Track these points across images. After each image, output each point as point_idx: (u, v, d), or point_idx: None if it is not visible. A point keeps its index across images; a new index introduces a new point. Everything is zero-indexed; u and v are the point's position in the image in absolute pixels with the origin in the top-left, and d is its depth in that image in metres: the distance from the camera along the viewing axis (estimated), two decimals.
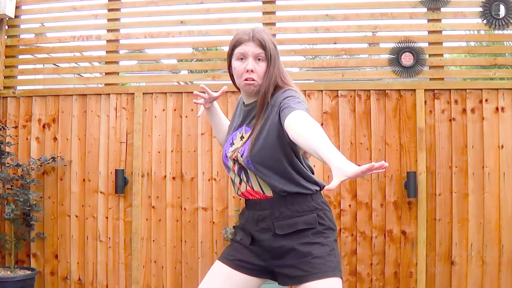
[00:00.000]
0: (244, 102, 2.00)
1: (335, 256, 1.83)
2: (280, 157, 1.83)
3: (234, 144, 1.94)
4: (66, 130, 4.16)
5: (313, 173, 1.96)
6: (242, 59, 1.90)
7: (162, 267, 3.97)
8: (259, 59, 1.88)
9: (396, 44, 3.88)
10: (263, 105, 1.87)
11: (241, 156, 1.87)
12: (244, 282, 1.90)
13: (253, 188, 1.90)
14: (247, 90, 1.92)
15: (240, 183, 1.94)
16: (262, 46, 1.87)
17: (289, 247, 1.83)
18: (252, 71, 1.87)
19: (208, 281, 1.92)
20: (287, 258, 1.83)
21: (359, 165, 1.55)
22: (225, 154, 1.97)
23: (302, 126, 1.64)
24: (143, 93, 4.07)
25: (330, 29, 4.04)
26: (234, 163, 1.92)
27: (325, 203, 1.92)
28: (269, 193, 1.88)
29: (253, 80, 1.88)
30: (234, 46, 1.92)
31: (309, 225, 1.83)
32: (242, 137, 1.93)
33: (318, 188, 1.92)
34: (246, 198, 1.95)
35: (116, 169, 4.02)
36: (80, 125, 4.14)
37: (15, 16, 4.31)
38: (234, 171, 1.93)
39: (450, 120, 3.75)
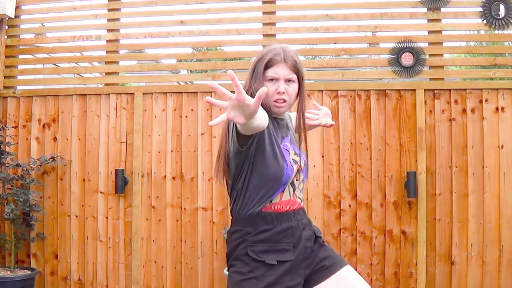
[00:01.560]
0: (275, 118, 1.97)
1: None
2: None
3: (290, 154, 1.93)
4: (66, 130, 4.16)
5: None
6: (272, 80, 1.89)
7: (162, 267, 3.97)
8: (289, 81, 1.90)
9: (396, 44, 3.88)
10: (301, 124, 1.96)
11: (304, 165, 1.98)
12: None
13: (295, 199, 1.94)
14: (276, 111, 1.91)
15: (282, 192, 1.88)
16: (294, 69, 1.89)
17: (322, 244, 2.00)
18: (283, 93, 1.88)
19: None
20: (320, 252, 1.95)
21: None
22: (291, 166, 1.89)
23: None
24: (143, 93, 4.07)
25: (330, 29, 4.04)
26: (296, 174, 1.93)
27: None
28: (301, 203, 1.97)
29: (284, 101, 1.89)
30: (266, 66, 1.88)
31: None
32: (296, 154, 1.96)
33: None
34: (279, 210, 1.87)
35: (116, 169, 4.02)
36: (80, 125, 4.14)
37: (15, 16, 4.31)
38: (288, 183, 1.89)
39: (450, 120, 3.76)
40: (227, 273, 3.84)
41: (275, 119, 1.95)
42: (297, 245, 1.87)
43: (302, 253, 1.88)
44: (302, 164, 1.96)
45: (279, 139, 1.91)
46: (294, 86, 1.91)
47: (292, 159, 1.91)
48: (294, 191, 1.92)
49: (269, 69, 1.88)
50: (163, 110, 4.05)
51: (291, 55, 1.90)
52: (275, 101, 1.88)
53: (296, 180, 1.94)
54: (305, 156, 2.01)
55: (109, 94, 4.12)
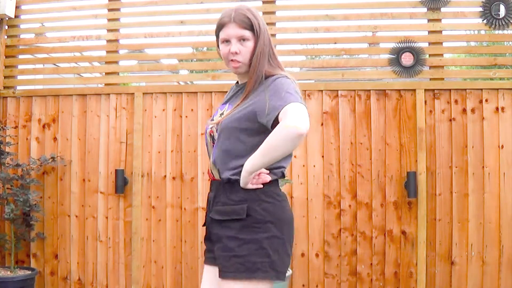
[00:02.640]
0: (237, 82, 1.99)
1: (263, 255, 1.73)
2: (243, 139, 1.80)
3: (213, 120, 1.94)
4: (66, 130, 4.16)
5: (289, 158, 1.87)
6: (227, 41, 1.87)
7: (162, 267, 3.97)
8: (243, 39, 1.85)
9: (396, 44, 3.88)
10: (253, 82, 1.82)
11: (216, 130, 1.86)
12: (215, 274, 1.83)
13: (210, 168, 1.89)
14: (234, 72, 1.91)
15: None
16: (244, 26, 1.84)
17: (219, 236, 1.80)
18: (236, 53, 1.84)
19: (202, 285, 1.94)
20: (216, 247, 1.81)
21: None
22: (206, 130, 1.96)
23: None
24: (143, 93, 4.07)
25: (330, 29, 4.04)
26: (211, 139, 1.91)
27: (267, 194, 1.79)
28: (217, 175, 1.85)
29: (238, 62, 1.86)
30: (217, 29, 1.91)
31: (236, 215, 1.76)
32: (222, 114, 1.90)
33: (272, 178, 1.82)
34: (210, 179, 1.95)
35: (116, 169, 4.02)
36: (80, 125, 4.14)
37: (15, 16, 4.31)
38: (208, 151, 1.94)
39: (450, 120, 3.76)
40: None
41: (237, 83, 1.98)
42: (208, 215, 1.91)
43: (208, 223, 1.91)
44: (214, 129, 1.88)
45: (222, 103, 1.98)
46: (249, 44, 1.84)
47: (214, 124, 1.90)
48: (210, 160, 1.90)
49: (221, 31, 1.88)
50: (163, 110, 4.05)
51: (243, 12, 1.85)
52: (230, 61, 1.87)
53: (214, 147, 1.88)
54: (230, 119, 1.82)
55: (109, 94, 4.12)
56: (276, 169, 1.82)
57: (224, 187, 1.82)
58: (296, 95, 1.72)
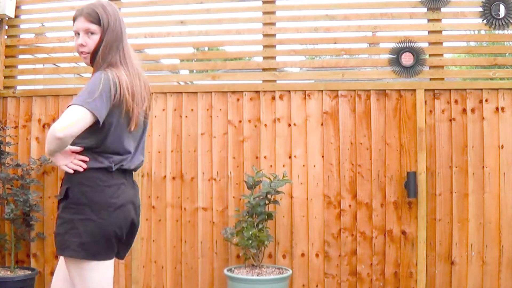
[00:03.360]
0: None
1: (74, 235, 1.88)
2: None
3: None
4: None
5: (119, 154, 1.99)
6: (77, 34, 1.99)
7: (162, 267, 3.97)
8: (91, 33, 1.97)
9: (396, 44, 3.88)
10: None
11: None
12: None
13: None
14: (85, 63, 2.04)
15: None
16: (91, 20, 1.96)
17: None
18: (82, 45, 1.97)
19: None
20: None
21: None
22: None
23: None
24: None
25: (330, 29, 4.04)
26: None
27: (89, 179, 1.93)
28: None
29: (86, 53, 1.99)
30: (73, 22, 2.02)
31: (60, 196, 1.96)
32: None
33: (97, 166, 1.94)
34: None
35: None
36: None
37: (15, 16, 4.31)
38: None
39: (450, 120, 3.76)
40: (227, 273, 3.84)
41: None
42: None
43: None
44: None
45: None
46: (94, 38, 1.98)
47: None
48: None
49: (73, 25, 2.00)
50: (163, 110, 4.04)
51: (93, 7, 1.99)
52: (80, 53, 2.00)
53: None
54: None
55: None
56: (105, 159, 1.96)
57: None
58: (87, 95, 1.83)
